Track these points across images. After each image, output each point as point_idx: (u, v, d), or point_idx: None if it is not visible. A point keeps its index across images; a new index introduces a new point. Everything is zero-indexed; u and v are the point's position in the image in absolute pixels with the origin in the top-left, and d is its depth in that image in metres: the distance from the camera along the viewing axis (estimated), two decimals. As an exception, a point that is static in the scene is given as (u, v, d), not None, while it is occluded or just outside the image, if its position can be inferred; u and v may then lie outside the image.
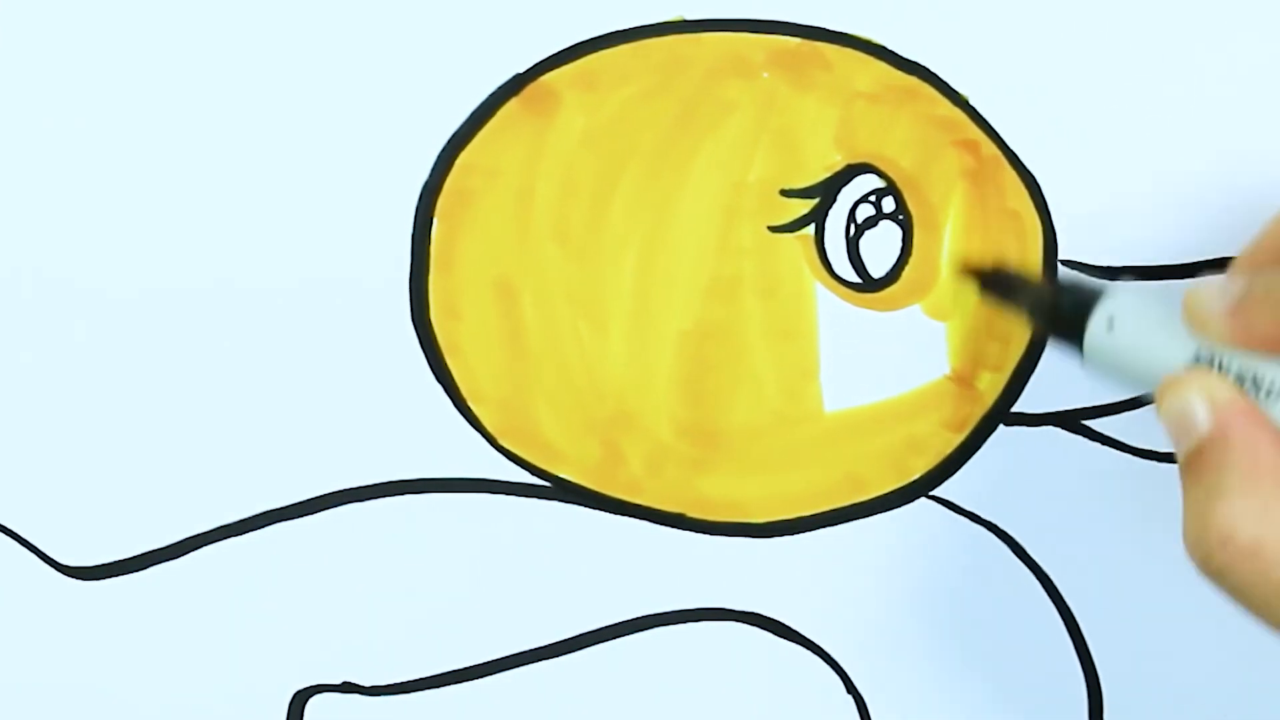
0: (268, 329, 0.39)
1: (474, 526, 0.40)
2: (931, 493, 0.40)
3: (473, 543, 0.40)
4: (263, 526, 0.40)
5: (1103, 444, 0.39)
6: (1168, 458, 0.39)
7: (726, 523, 0.40)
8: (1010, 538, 0.40)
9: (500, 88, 0.38)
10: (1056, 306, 0.36)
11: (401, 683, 0.41)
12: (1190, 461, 0.31)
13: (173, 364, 0.39)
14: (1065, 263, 0.38)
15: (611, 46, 0.38)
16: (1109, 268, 0.38)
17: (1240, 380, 0.31)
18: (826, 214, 0.38)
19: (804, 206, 0.38)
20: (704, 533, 0.40)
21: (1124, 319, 0.34)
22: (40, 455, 0.39)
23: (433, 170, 0.38)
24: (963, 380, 0.39)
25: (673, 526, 0.40)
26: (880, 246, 0.39)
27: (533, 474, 0.40)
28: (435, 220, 0.38)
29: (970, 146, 0.38)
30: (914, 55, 0.38)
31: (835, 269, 0.39)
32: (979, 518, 0.40)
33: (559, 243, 0.39)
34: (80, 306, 0.39)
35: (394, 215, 0.38)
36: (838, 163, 0.38)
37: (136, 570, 0.40)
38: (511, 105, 0.38)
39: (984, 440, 0.39)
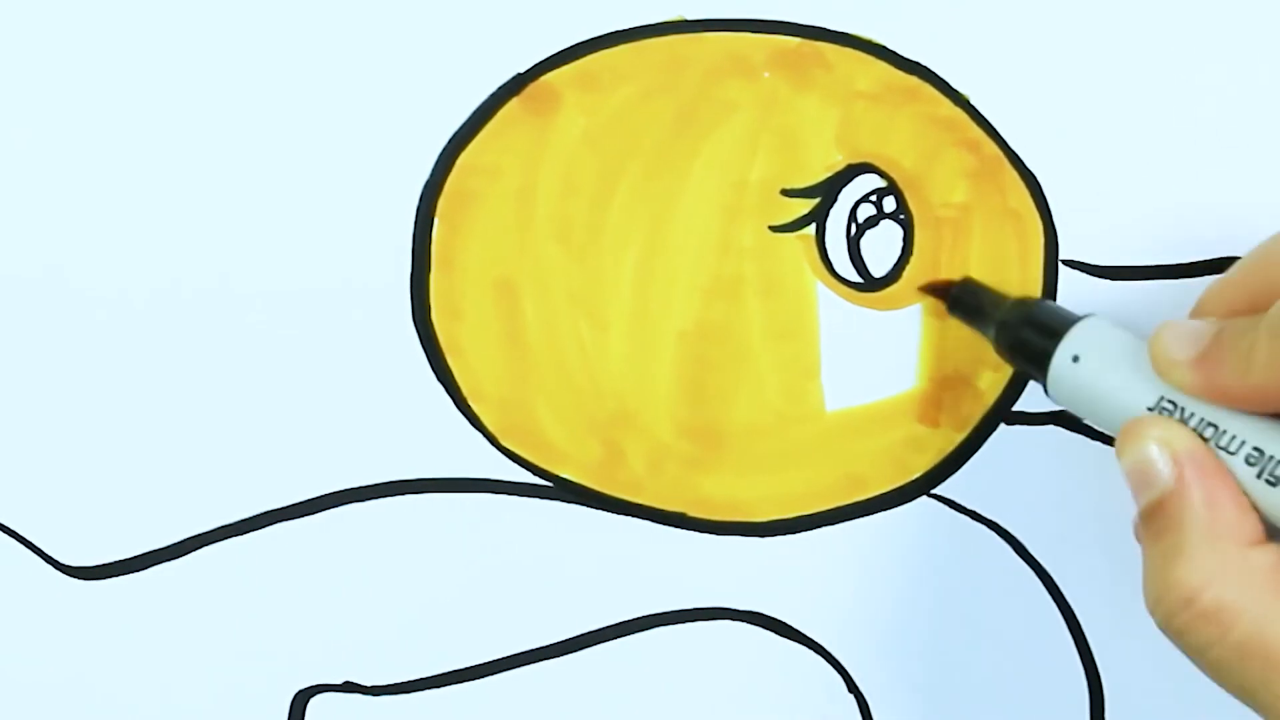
0: (268, 329, 0.39)
1: (474, 526, 0.40)
2: (932, 491, 0.40)
3: (473, 543, 0.40)
4: (263, 526, 0.40)
5: (1104, 443, 0.39)
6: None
7: (727, 522, 0.40)
8: (1011, 536, 0.40)
9: (501, 88, 0.38)
10: (1023, 333, 0.35)
11: (403, 682, 0.41)
12: (1150, 516, 0.30)
13: (173, 364, 0.39)
14: (1066, 263, 0.38)
15: (611, 46, 0.38)
16: (1109, 268, 0.38)
17: (1202, 429, 0.30)
18: (827, 214, 0.38)
19: (805, 206, 0.38)
20: (705, 532, 0.40)
21: (1090, 354, 0.33)
22: (40, 455, 0.39)
23: (433, 170, 0.38)
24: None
25: (674, 526, 0.40)
26: (881, 246, 0.39)
27: (534, 474, 0.40)
28: (436, 220, 0.38)
29: (971, 146, 0.38)
30: (914, 55, 0.38)
31: (836, 268, 0.39)
32: (980, 516, 0.40)
33: (560, 242, 0.39)
34: (80, 306, 0.39)
35: (395, 215, 0.38)
36: (838, 162, 0.38)
37: (137, 570, 0.40)
38: (512, 105, 0.38)
39: (985, 439, 0.39)
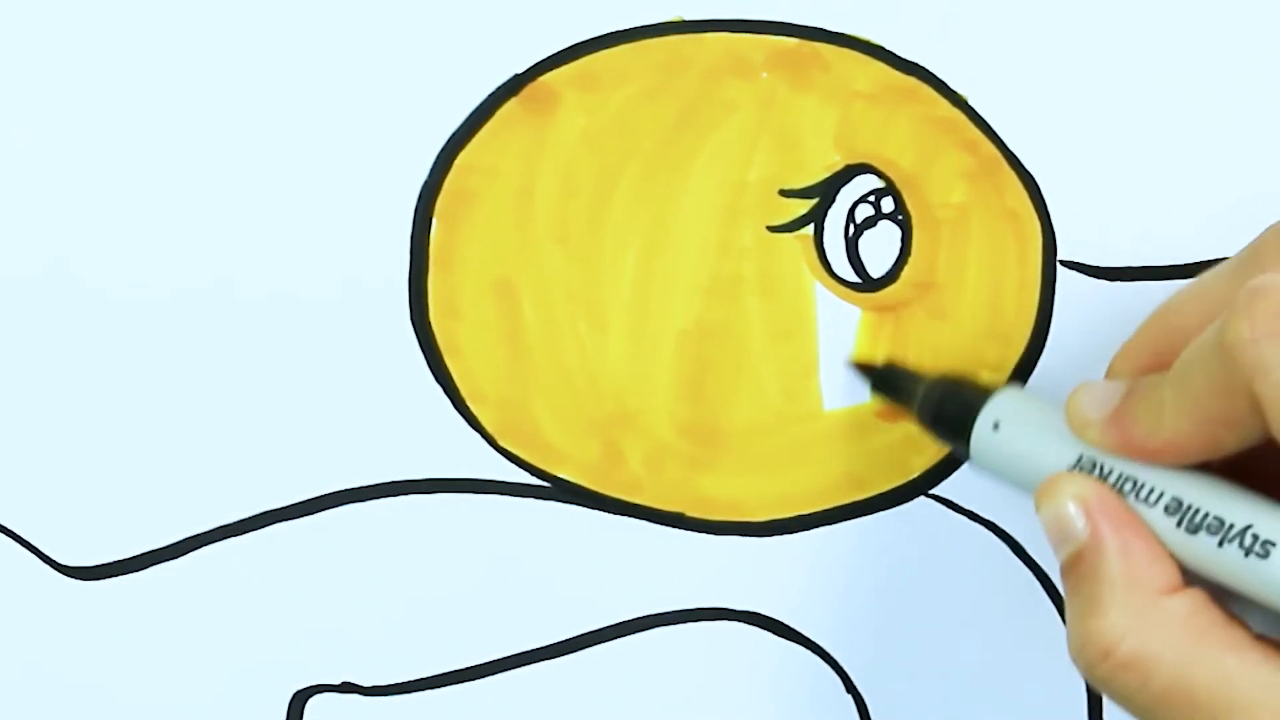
0: (267, 329, 0.39)
1: (474, 526, 0.40)
2: (931, 492, 0.40)
3: (473, 543, 0.40)
4: (263, 526, 0.40)
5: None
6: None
7: (726, 522, 0.40)
8: (1009, 537, 0.40)
9: (499, 88, 0.38)
10: (944, 407, 0.36)
11: (401, 683, 0.41)
12: (1068, 569, 0.31)
13: (172, 364, 0.39)
14: (1065, 263, 0.38)
15: (611, 46, 0.38)
16: (1107, 268, 0.38)
17: (1121, 484, 0.30)
18: (826, 214, 0.38)
19: (803, 206, 0.38)
20: (704, 532, 0.40)
21: (1010, 420, 0.34)
22: (40, 455, 0.39)
23: (432, 170, 0.38)
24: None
25: (673, 526, 0.40)
26: (879, 246, 0.39)
27: (532, 474, 0.40)
28: (435, 220, 0.38)
29: (969, 147, 0.38)
30: (913, 56, 0.38)
31: (834, 269, 0.39)
32: (978, 517, 0.40)
33: (559, 243, 0.39)
34: (80, 305, 0.39)
35: (393, 215, 0.38)
36: (837, 163, 0.38)
37: (136, 570, 0.40)
38: (511, 105, 0.38)
39: (983, 439, 0.39)
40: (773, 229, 0.39)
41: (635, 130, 0.38)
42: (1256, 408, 0.27)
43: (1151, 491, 0.30)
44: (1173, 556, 0.29)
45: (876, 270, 0.39)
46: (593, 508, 0.40)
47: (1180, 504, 0.29)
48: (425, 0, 0.38)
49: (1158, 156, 0.38)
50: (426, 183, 0.38)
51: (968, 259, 0.38)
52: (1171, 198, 0.38)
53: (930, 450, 0.39)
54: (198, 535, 0.40)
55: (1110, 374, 0.34)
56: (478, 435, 0.39)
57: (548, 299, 0.39)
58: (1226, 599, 0.29)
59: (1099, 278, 0.38)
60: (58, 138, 0.38)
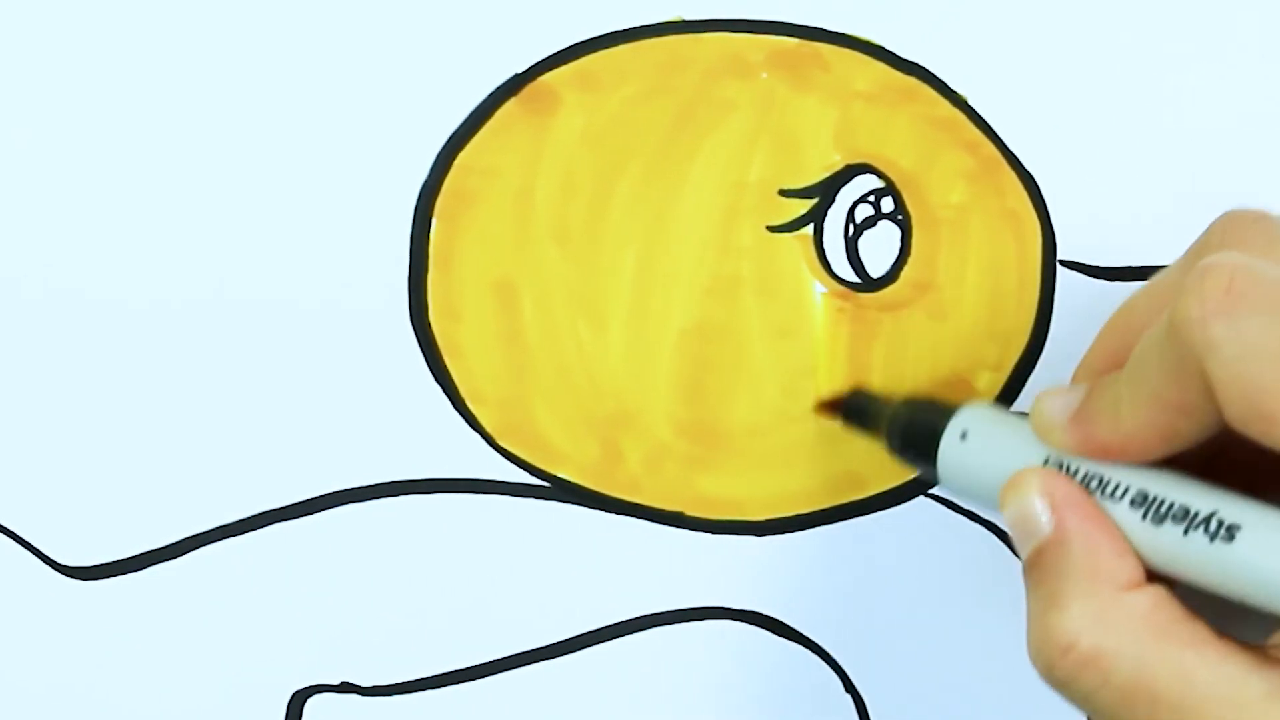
0: (267, 330, 0.39)
1: (474, 526, 0.40)
2: (930, 491, 0.40)
3: (473, 543, 0.40)
4: (263, 526, 0.40)
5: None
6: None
7: (725, 521, 0.40)
8: (1008, 536, 0.40)
9: (499, 88, 0.38)
10: (911, 425, 0.35)
11: (400, 683, 0.41)
12: (1031, 565, 0.30)
13: (172, 364, 0.39)
14: (1064, 263, 0.38)
15: (611, 46, 0.38)
16: (1107, 268, 0.38)
17: (1088, 482, 0.30)
18: (825, 214, 0.38)
19: (803, 206, 0.38)
20: (703, 531, 0.40)
21: (977, 430, 0.34)
22: (40, 455, 0.39)
23: (431, 170, 0.38)
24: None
25: (672, 525, 0.40)
26: (879, 246, 0.39)
27: (531, 474, 0.40)
28: (434, 220, 0.38)
29: (969, 147, 0.38)
30: (913, 56, 0.38)
31: (834, 269, 0.39)
32: (977, 516, 0.40)
33: (558, 243, 0.39)
34: (80, 306, 0.39)
35: (393, 216, 0.38)
36: (837, 163, 0.38)
37: (136, 570, 0.40)
38: (510, 105, 0.38)
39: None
40: (772, 229, 0.39)
41: (635, 130, 0.38)
42: (1210, 391, 0.27)
43: (1118, 487, 0.30)
44: (1138, 554, 0.29)
45: (876, 270, 0.39)
46: (592, 507, 0.40)
47: (1146, 496, 0.29)
48: (425, 0, 0.38)
49: (1158, 157, 0.38)
50: (426, 183, 0.38)
51: (967, 259, 0.39)
52: (1170, 198, 0.38)
53: (929, 450, 0.39)
54: (197, 535, 0.40)
55: (1074, 380, 0.34)
56: (477, 435, 0.39)
57: (547, 299, 0.39)
58: (1190, 599, 0.29)
59: (1099, 277, 0.38)
60: (58, 138, 0.38)
